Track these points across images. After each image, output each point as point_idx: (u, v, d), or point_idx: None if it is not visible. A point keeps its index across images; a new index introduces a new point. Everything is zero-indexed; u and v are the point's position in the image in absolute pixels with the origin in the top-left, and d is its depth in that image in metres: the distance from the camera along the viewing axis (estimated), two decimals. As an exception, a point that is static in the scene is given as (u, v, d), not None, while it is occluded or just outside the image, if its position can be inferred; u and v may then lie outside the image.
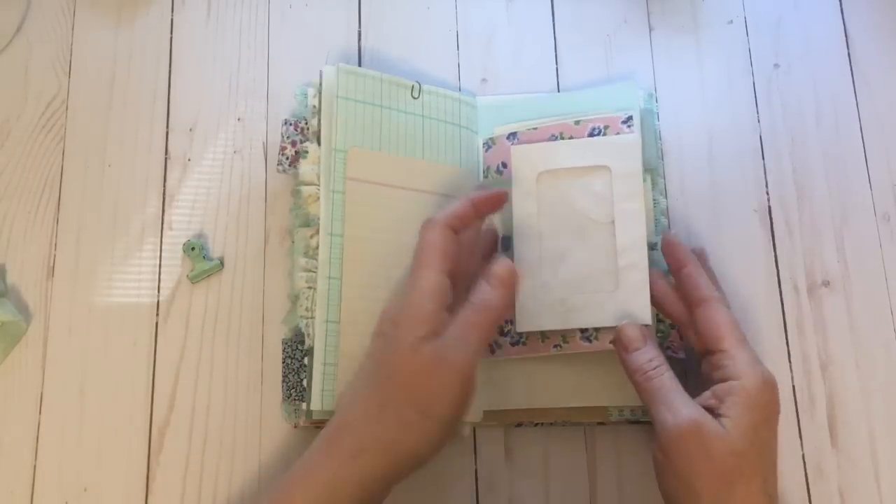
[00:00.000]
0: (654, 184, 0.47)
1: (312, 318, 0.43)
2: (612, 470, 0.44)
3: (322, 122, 0.45)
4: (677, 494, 0.37)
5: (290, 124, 0.46)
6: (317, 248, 0.43)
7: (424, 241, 0.38)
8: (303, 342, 0.43)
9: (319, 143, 0.44)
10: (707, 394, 0.38)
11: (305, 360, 0.43)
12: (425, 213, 0.41)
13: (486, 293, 0.37)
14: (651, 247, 0.45)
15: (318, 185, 0.44)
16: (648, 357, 0.39)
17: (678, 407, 0.37)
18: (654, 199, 0.46)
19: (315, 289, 0.43)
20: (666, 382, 0.38)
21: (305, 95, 0.46)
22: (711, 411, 0.37)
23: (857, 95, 0.50)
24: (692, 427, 0.36)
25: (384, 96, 0.46)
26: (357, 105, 0.45)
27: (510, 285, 0.38)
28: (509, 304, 0.39)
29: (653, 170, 0.46)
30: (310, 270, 0.43)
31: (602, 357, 0.42)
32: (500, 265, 0.38)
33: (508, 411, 0.44)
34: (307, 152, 0.45)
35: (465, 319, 0.36)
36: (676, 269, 0.42)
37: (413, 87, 0.46)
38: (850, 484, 0.44)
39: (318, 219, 0.43)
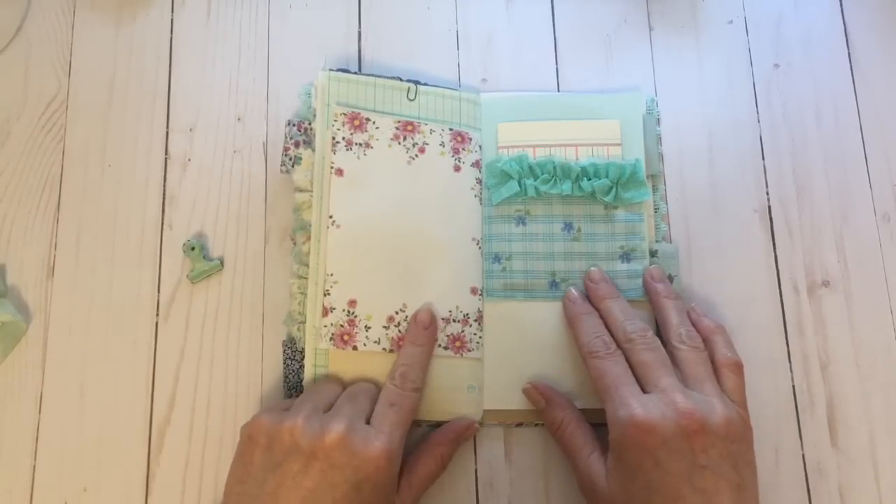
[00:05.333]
0: (654, 189, 0.47)
1: (304, 322, 0.43)
2: (612, 470, 0.44)
3: (316, 128, 0.45)
4: None
5: (294, 125, 0.46)
6: (308, 253, 0.43)
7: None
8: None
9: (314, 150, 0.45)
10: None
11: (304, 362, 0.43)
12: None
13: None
14: (652, 254, 0.45)
15: (311, 192, 0.44)
16: (551, 418, 0.42)
17: (580, 464, 0.40)
18: (654, 205, 0.46)
19: (306, 294, 0.43)
20: (567, 439, 0.41)
21: (309, 95, 0.46)
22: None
23: (857, 95, 0.50)
24: (586, 482, 0.39)
25: (378, 101, 0.46)
26: (349, 111, 0.45)
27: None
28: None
29: (654, 175, 0.47)
30: (301, 277, 0.44)
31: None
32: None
33: (508, 411, 0.44)
34: (301, 158, 0.45)
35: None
36: (596, 304, 0.44)
37: (409, 88, 0.46)
38: (850, 484, 0.44)
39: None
